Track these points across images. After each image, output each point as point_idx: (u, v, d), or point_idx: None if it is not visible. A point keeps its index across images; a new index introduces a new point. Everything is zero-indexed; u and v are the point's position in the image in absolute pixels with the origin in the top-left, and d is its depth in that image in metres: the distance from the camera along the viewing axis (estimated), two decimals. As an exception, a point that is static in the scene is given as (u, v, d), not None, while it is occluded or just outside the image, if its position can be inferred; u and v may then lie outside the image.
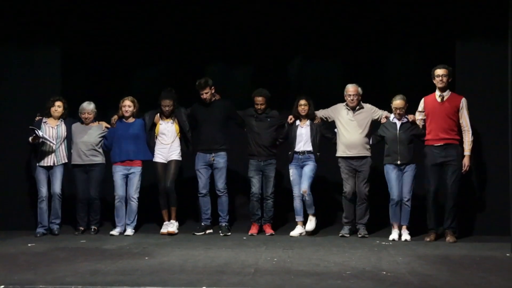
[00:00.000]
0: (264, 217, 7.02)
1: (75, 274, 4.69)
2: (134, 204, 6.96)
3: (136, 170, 6.98)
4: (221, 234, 6.87)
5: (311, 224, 6.84)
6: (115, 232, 6.90)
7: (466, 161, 6.38)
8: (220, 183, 6.96)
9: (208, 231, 6.99)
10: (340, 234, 6.74)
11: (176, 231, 6.93)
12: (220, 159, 6.95)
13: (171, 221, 6.96)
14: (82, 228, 7.04)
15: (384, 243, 6.29)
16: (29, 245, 6.21)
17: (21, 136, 7.02)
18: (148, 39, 8.00)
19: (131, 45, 8.03)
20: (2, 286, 4.34)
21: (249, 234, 6.89)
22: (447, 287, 4.32)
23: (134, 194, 6.96)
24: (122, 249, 5.94)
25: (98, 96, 7.55)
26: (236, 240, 6.53)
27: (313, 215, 6.86)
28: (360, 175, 6.76)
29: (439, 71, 6.46)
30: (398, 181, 6.56)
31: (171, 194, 6.94)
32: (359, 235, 6.69)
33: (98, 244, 6.25)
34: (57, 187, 6.87)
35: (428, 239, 6.41)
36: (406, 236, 6.52)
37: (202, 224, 7.00)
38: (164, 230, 6.93)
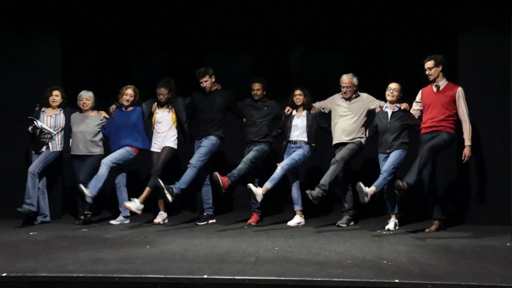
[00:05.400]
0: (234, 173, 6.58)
1: (77, 263, 4.70)
2: (102, 169, 6.63)
3: (128, 149, 6.83)
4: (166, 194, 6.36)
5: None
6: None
7: (466, 151, 6.25)
8: (194, 158, 6.66)
9: (210, 221, 6.95)
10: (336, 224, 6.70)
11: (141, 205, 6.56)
12: (207, 140, 6.79)
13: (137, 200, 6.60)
14: (82, 218, 6.94)
15: (384, 232, 6.31)
16: (30, 233, 6.23)
17: (20, 126, 7.02)
18: (149, 29, 7.99)
19: (131, 34, 8.02)
20: (4, 274, 4.35)
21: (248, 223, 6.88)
22: (447, 276, 4.32)
23: (106, 159, 6.73)
24: (123, 237, 5.95)
25: (98, 85, 7.54)
26: (237, 229, 6.54)
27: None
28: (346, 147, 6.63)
29: (425, 65, 6.32)
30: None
31: (153, 176, 6.68)
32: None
33: (100, 232, 6.27)
34: (32, 166, 6.76)
35: (427, 230, 6.36)
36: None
37: (204, 214, 7.00)
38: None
